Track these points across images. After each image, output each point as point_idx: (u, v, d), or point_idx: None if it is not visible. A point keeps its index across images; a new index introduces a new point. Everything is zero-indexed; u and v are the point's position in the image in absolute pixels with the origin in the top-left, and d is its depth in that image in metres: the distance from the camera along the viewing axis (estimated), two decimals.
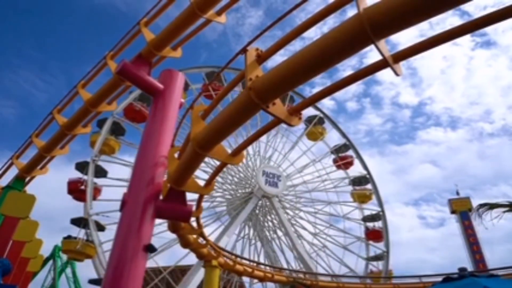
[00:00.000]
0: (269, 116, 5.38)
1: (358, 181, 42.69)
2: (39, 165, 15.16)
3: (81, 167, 31.99)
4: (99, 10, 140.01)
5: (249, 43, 6.29)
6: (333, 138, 44.90)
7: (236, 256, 24.09)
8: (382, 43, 4.02)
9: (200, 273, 25.23)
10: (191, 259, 30.25)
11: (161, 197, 8.04)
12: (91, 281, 33.11)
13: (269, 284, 30.86)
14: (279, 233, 38.13)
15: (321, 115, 44.30)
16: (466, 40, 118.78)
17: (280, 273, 26.94)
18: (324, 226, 40.32)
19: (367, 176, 42.44)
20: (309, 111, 44.04)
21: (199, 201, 12.20)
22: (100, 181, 32.58)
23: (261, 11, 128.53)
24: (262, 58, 5.50)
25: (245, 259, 26.02)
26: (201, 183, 8.72)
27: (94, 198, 31.06)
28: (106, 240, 29.68)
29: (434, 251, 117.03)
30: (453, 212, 47.85)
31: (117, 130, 33.73)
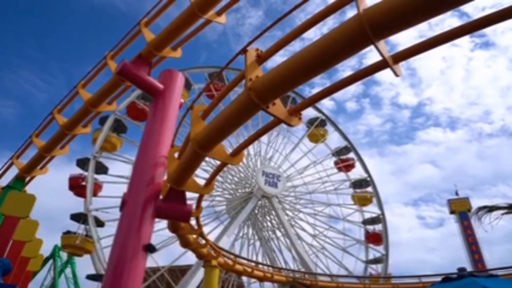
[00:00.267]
0: (271, 116, 5.40)
1: (358, 184, 42.63)
2: (39, 165, 15.16)
3: (82, 163, 32.13)
4: (99, 10, 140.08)
5: (249, 43, 6.30)
6: (334, 140, 44.96)
7: (236, 256, 24.10)
8: (381, 43, 4.04)
9: (200, 273, 25.25)
10: (189, 258, 30.45)
11: (161, 197, 8.06)
12: (89, 277, 33.12)
13: (266, 284, 30.90)
14: (278, 233, 38.16)
15: (323, 117, 44.28)
16: (465, 41, 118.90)
17: (279, 273, 26.96)
18: (323, 228, 40.30)
19: (368, 179, 42.38)
20: (311, 113, 44.21)
21: (199, 201, 12.21)
22: (101, 177, 32.79)
23: (261, 12, 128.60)
24: (262, 58, 5.51)
25: (245, 259, 26.04)
26: (201, 181, 8.73)
27: (95, 194, 31.24)
28: (105, 235, 29.93)
29: (433, 251, 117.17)
30: (452, 212, 47.84)
31: (119, 128, 33.85)
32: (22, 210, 12.22)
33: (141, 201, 7.67)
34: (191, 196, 9.68)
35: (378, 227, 40.59)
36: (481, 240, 43.61)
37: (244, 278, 32.84)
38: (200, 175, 28.54)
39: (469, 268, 35.54)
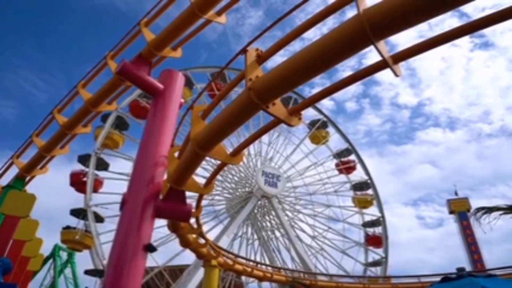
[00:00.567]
0: (271, 117, 5.40)
1: (359, 186, 42.58)
2: (39, 165, 15.17)
3: (84, 159, 32.27)
4: (99, 10, 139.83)
5: (249, 43, 6.31)
6: (335, 141, 44.87)
7: (236, 255, 24.12)
8: (381, 44, 4.05)
9: (200, 273, 25.26)
10: (187, 257, 30.55)
11: (161, 197, 8.07)
12: (87, 272, 33.17)
13: (265, 283, 30.94)
14: (277, 233, 38.17)
15: (325, 119, 44.25)
16: (465, 41, 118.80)
17: (279, 272, 26.97)
18: (323, 229, 40.28)
19: (369, 181, 42.32)
20: (313, 115, 44.28)
21: (199, 200, 12.22)
22: (103, 174, 32.98)
23: (261, 12, 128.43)
24: (262, 58, 5.52)
25: (245, 258, 26.06)
26: (200, 180, 8.75)
27: (96, 191, 31.46)
28: (104, 231, 30.10)
29: (432, 251, 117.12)
30: (451, 212, 47.82)
31: (121, 125, 33.98)
32: (22, 210, 12.23)
33: (141, 200, 7.68)
34: (189, 195, 9.67)
35: (378, 230, 40.52)
36: (480, 240, 43.62)
37: (243, 277, 32.89)
38: (200, 174, 28.66)
39: (468, 268, 35.53)
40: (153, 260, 29.30)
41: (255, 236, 38.29)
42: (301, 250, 35.04)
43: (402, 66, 4.52)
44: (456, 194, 50.13)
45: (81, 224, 30.61)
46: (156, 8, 10.18)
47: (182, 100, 10.47)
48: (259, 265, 26.48)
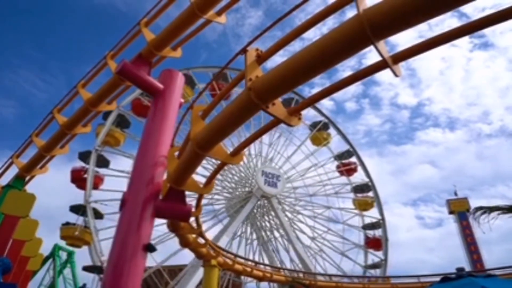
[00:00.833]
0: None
1: (360, 189, 42.55)
2: (39, 165, 15.17)
3: (84, 156, 32.37)
4: (99, 10, 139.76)
5: (249, 43, 6.31)
6: (335, 142, 44.82)
7: (235, 255, 24.13)
8: (381, 44, 4.05)
9: (199, 273, 25.28)
10: (185, 257, 30.61)
11: (160, 197, 8.07)
12: (85, 268, 33.20)
13: (263, 283, 30.93)
14: (276, 234, 38.17)
15: (326, 121, 44.24)
16: (464, 41, 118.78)
17: (279, 272, 26.98)
18: (322, 230, 40.26)
19: (369, 183, 42.28)
20: (314, 115, 44.24)
21: (199, 200, 12.22)
22: (104, 171, 33.08)
23: (261, 12, 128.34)
24: (262, 58, 5.52)
25: (245, 258, 26.06)
26: (200, 179, 8.75)
27: (96, 187, 31.62)
28: (103, 227, 30.29)
29: (432, 251, 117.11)
30: (451, 212, 47.87)
31: (122, 123, 34.08)
32: (22, 210, 12.23)
33: (141, 200, 7.68)
34: (189, 194, 9.68)
35: (378, 232, 40.45)
36: (480, 240, 43.67)
37: (242, 277, 32.93)
38: (200, 173, 28.75)
39: (467, 268, 35.57)
40: (151, 259, 29.39)
41: (254, 236, 38.30)
42: (301, 250, 35.04)
43: (402, 66, 4.52)
44: (455, 194, 50.21)
45: (81, 220, 30.78)
46: (156, 8, 10.18)
47: (182, 100, 10.46)
48: (258, 265, 26.50)
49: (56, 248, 47.77)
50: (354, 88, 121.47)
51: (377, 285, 29.66)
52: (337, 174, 43.42)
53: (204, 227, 22.69)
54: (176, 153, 8.56)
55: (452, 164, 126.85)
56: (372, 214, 41.70)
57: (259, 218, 38.59)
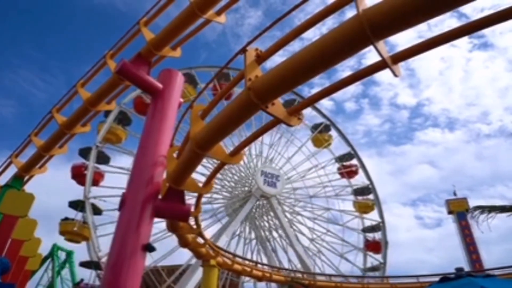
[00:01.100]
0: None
1: (360, 191, 42.50)
2: (38, 164, 15.13)
3: (85, 152, 32.40)
4: (99, 10, 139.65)
5: (249, 43, 6.30)
6: (335, 143, 44.71)
7: (235, 255, 24.12)
8: (381, 44, 4.05)
9: (198, 273, 25.26)
10: (182, 256, 30.60)
11: (160, 197, 8.06)
12: (82, 264, 33.18)
13: (260, 283, 30.98)
14: (275, 234, 38.15)
15: (328, 122, 44.21)
16: (464, 42, 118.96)
17: (278, 272, 26.97)
18: (321, 232, 40.21)
19: (370, 186, 42.23)
20: (315, 117, 44.22)
21: (198, 200, 12.22)
22: (105, 168, 33.18)
23: (260, 12, 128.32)
24: (261, 58, 5.52)
25: (244, 258, 26.05)
26: (200, 177, 8.75)
27: (97, 184, 31.72)
28: (102, 223, 30.37)
29: (431, 251, 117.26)
30: (450, 212, 47.91)
31: (123, 120, 34.10)
32: (21, 209, 12.23)
33: (140, 200, 7.67)
34: (187, 192, 9.67)
35: (378, 235, 40.40)
36: (479, 240, 43.72)
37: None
38: (200, 171, 28.78)
39: (466, 268, 35.63)
40: (149, 257, 29.37)
41: (253, 236, 38.31)
42: (301, 250, 35.03)
43: (401, 66, 4.52)
44: (454, 194, 50.24)
45: (80, 216, 30.84)
46: (155, 8, 10.16)
47: (182, 100, 10.45)
48: (258, 265, 26.50)
49: (55, 248, 47.71)
50: (354, 88, 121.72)
51: (377, 285, 29.68)
52: (337, 176, 43.38)
53: (203, 225, 22.69)
54: (176, 153, 8.55)
55: (451, 164, 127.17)
56: (372, 217, 41.70)
57: (258, 218, 38.58)
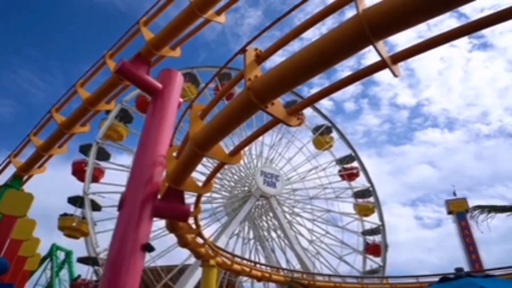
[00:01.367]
0: None
1: (361, 194, 42.45)
2: (37, 164, 15.11)
3: (85, 149, 32.46)
4: (99, 10, 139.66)
5: (248, 43, 6.29)
6: (336, 145, 44.66)
7: (234, 255, 24.11)
8: (380, 44, 4.04)
9: (198, 273, 25.25)
10: (179, 256, 30.59)
11: (159, 197, 8.05)
12: (80, 259, 33.17)
13: (257, 284, 30.97)
14: (273, 234, 38.14)
15: (329, 124, 44.15)
16: (463, 42, 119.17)
17: (277, 273, 26.96)
18: (320, 234, 40.17)
19: (370, 189, 42.18)
20: (315, 117, 44.16)
21: (197, 200, 12.21)
22: (106, 165, 33.29)
23: (260, 11, 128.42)
24: (261, 58, 5.51)
25: (243, 258, 26.03)
26: (199, 176, 8.73)
27: (97, 180, 31.82)
28: (101, 218, 30.39)
29: (431, 251, 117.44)
30: (449, 212, 47.93)
31: (125, 117, 34.24)
32: (20, 209, 12.21)
33: (140, 200, 7.65)
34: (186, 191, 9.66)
35: (378, 238, 40.35)
36: (479, 240, 43.74)
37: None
38: (200, 170, 28.79)
39: (466, 268, 35.62)
40: (147, 255, 29.35)
41: (251, 235, 38.30)
42: (300, 250, 35.02)
43: (401, 66, 4.51)
44: (454, 194, 50.26)
45: (79, 212, 30.88)
46: (155, 7, 10.15)
47: (181, 100, 10.44)
48: (257, 265, 26.48)
49: (54, 248, 47.58)
50: (353, 88, 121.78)
51: (376, 285, 29.68)
52: (338, 178, 43.35)
53: (202, 225, 22.64)
54: (175, 153, 8.54)
55: (451, 164, 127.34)
56: (372, 220, 41.64)
57: (257, 218, 38.57)
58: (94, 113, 13.09)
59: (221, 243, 28.13)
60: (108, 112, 32.15)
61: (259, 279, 25.05)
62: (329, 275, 31.60)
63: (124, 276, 6.86)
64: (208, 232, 31.04)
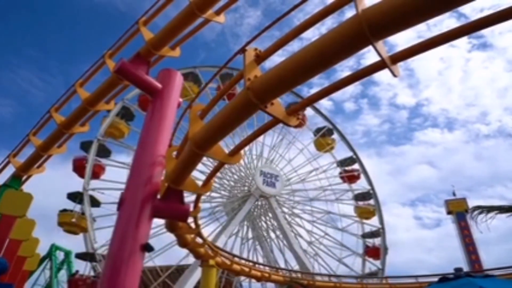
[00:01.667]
0: None
1: (361, 196, 42.41)
2: (36, 164, 15.09)
3: (86, 146, 32.49)
4: (99, 10, 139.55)
5: (248, 43, 6.30)
6: (338, 147, 44.65)
7: (234, 255, 24.12)
8: (380, 44, 4.04)
9: (197, 273, 25.25)
10: (177, 255, 30.58)
11: (158, 196, 8.04)
12: (78, 255, 33.13)
13: (256, 284, 30.97)
14: (272, 234, 38.13)
15: (331, 126, 44.11)
16: (463, 42, 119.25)
17: (277, 273, 26.97)
18: (320, 235, 40.14)
19: (371, 191, 42.14)
20: (319, 121, 44.24)
21: (197, 200, 12.21)
22: (106, 162, 33.39)
23: (260, 11, 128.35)
24: (261, 58, 5.51)
25: (243, 258, 26.04)
26: (199, 175, 8.73)
27: (98, 177, 31.90)
28: (100, 214, 30.62)
29: (430, 251, 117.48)
30: (449, 212, 47.99)
31: (126, 115, 34.26)
32: (19, 209, 12.20)
33: (139, 200, 7.64)
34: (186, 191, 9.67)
35: (378, 241, 40.32)
36: (478, 240, 43.81)
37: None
38: (200, 169, 28.82)
39: (466, 268, 35.67)
40: (146, 254, 29.35)
41: (250, 235, 38.31)
42: (300, 250, 35.01)
43: (400, 66, 4.51)
44: (454, 194, 50.36)
45: (78, 208, 30.89)
46: (154, 7, 10.15)
47: (181, 100, 10.43)
48: (257, 265, 26.49)
49: (53, 248, 47.49)
50: (353, 88, 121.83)
51: (376, 285, 29.70)
52: (338, 179, 43.31)
53: (202, 226, 22.61)
54: (175, 153, 8.54)
55: (451, 164, 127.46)
56: (372, 222, 41.57)
57: (257, 218, 38.56)
58: (93, 113, 13.08)
59: (220, 243, 28.13)
60: (109, 110, 32.26)
61: (259, 279, 25.06)
62: (329, 275, 31.61)
63: (124, 276, 6.85)
64: (207, 231, 31.10)
